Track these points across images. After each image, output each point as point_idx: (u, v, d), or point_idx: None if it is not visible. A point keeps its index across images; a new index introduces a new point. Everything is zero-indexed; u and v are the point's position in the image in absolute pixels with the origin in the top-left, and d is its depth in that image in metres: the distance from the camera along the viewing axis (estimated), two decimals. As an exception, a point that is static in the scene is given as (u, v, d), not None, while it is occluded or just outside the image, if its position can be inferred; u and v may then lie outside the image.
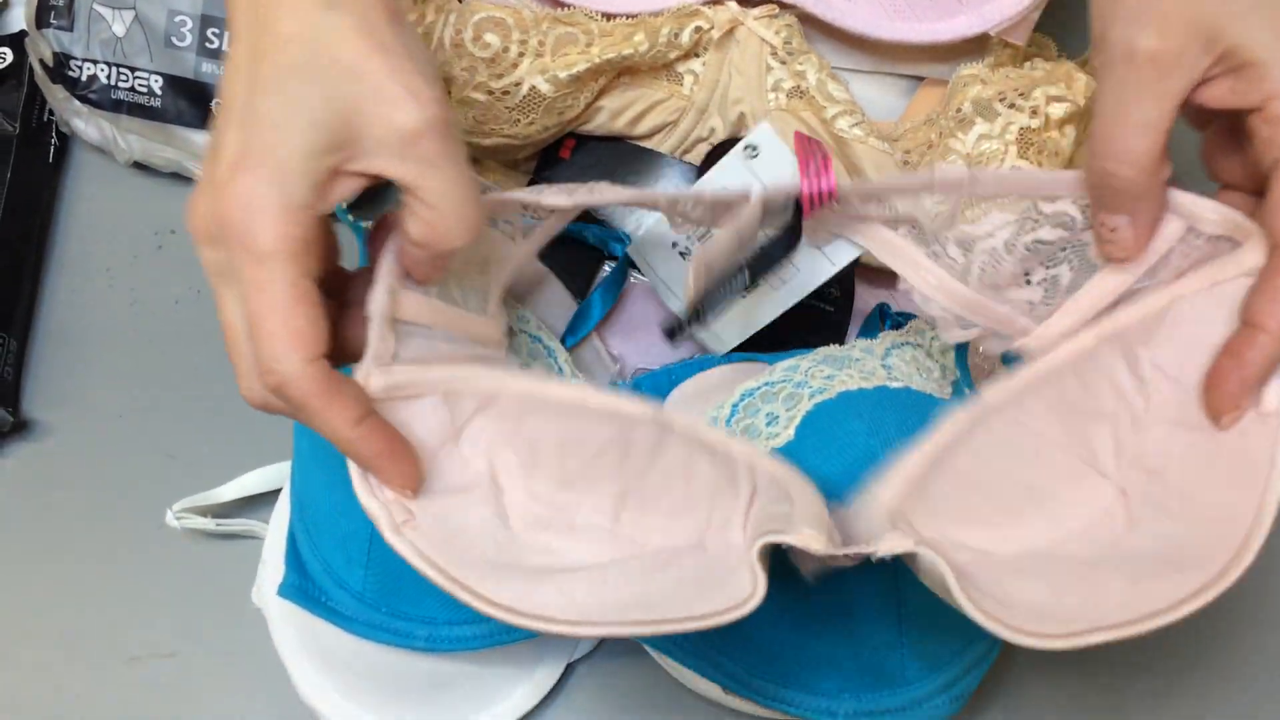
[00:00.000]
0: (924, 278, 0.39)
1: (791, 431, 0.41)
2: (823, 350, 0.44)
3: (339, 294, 0.35)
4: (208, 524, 0.49)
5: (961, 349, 0.44)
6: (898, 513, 0.34)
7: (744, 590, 0.31)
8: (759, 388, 0.43)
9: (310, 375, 0.30)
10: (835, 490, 0.39)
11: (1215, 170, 0.35)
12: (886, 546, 0.31)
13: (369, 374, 0.33)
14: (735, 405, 0.42)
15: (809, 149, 0.37)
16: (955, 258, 0.38)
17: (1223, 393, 0.32)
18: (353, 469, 0.33)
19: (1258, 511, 0.31)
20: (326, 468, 0.43)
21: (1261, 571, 0.49)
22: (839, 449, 0.39)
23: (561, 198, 0.37)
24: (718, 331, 0.47)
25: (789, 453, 0.40)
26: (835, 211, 0.38)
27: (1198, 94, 0.32)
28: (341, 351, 0.34)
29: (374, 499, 0.33)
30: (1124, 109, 0.31)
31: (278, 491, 0.49)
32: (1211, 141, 0.35)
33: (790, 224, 0.38)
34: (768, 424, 0.41)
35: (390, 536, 0.32)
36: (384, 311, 0.33)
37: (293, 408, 0.31)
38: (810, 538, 0.31)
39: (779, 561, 0.38)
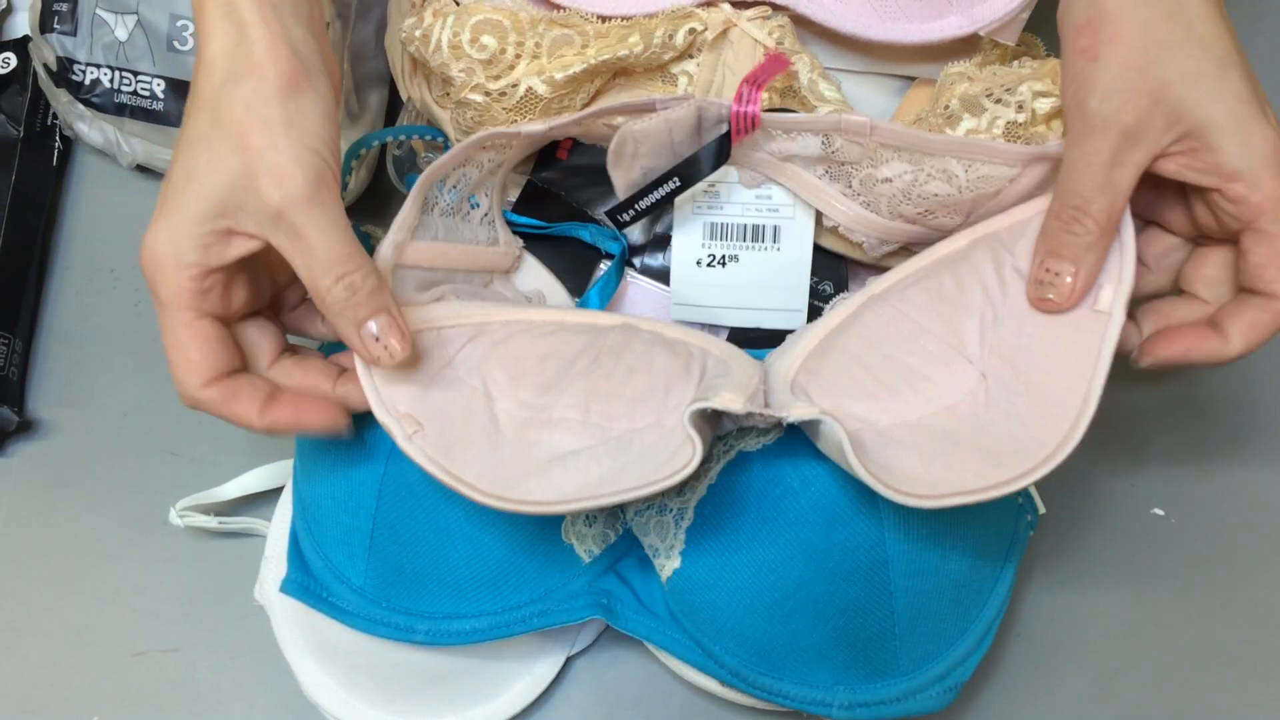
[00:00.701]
0: (842, 213, 0.45)
1: (781, 428, 0.41)
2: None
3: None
4: (210, 522, 0.49)
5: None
6: (797, 384, 0.39)
7: (685, 456, 0.36)
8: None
9: (207, 395, 0.37)
10: (826, 491, 0.40)
11: (1150, 215, 0.41)
12: (795, 413, 0.37)
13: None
14: None
15: (758, 74, 0.41)
16: (861, 193, 0.44)
17: (1242, 340, 0.38)
18: (367, 388, 0.38)
19: (1084, 398, 0.36)
20: (328, 464, 0.43)
21: (1259, 564, 0.50)
22: None
23: (538, 125, 0.43)
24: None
25: (780, 449, 0.41)
26: (763, 145, 0.44)
27: (1155, 164, 0.37)
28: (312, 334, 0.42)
29: (388, 415, 0.38)
30: (1099, 172, 0.36)
31: (279, 490, 0.50)
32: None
33: (721, 140, 0.42)
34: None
35: (403, 444, 0.37)
36: (385, 265, 0.41)
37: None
38: (729, 400, 0.37)
39: (770, 554, 0.38)
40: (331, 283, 0.35)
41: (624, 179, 0.45)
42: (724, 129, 0.42)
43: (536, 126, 0.43)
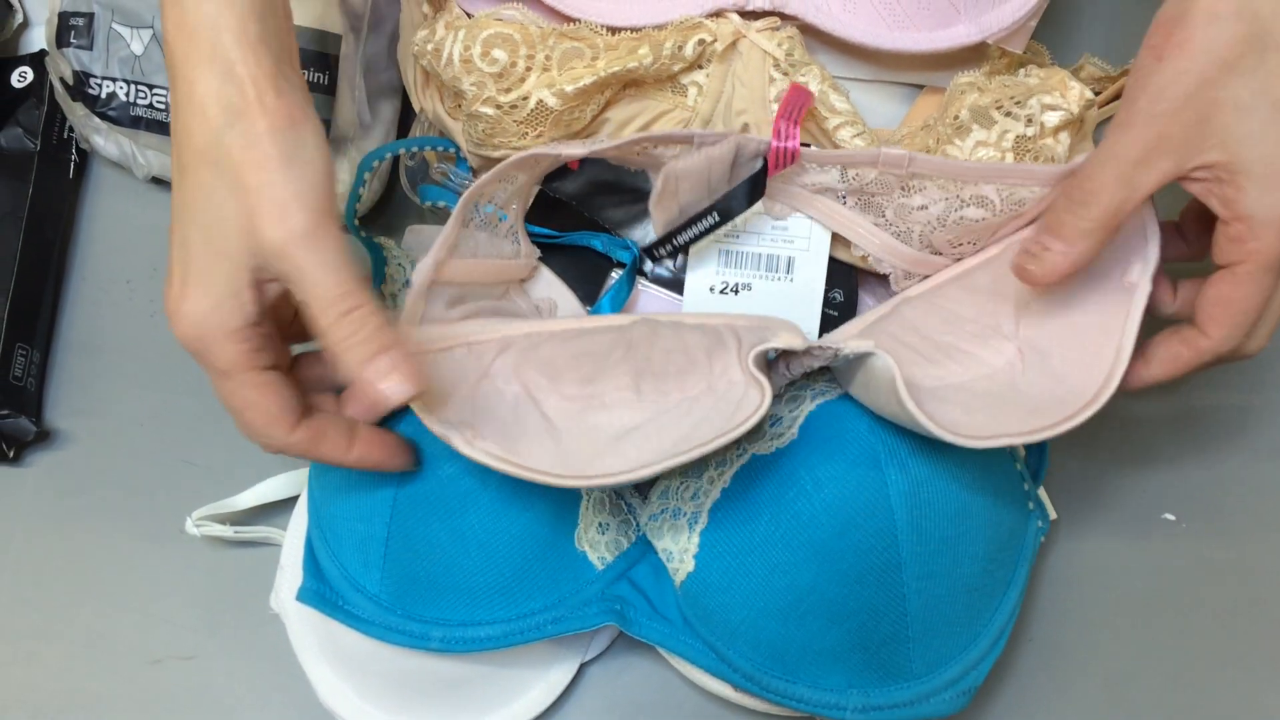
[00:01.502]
0: (872, 242, 0.45)
1: (795, 431, 0.41)
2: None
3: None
4: (226, 531, 0.50)
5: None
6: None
7: (755, 401, 0.38)
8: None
9: (295, 440, 0.37)
10: (839, 494, 0.40)
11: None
12: (852, 346, 0.39)
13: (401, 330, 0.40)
14: None
15: (790, 108, 0.42)
16: (894, 223, 0.44)
17: (1160, 368, 0.40)
18: (415, 406, 0.38)
19: (1117, 352, 0.39)
20: (343, 473, 0.44)
21: (1270, 568, 0.50)
22: (841, 446, 0.40)
23: (578, 148, 0.44)
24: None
25: (793, 452, 0.41)
26: (795, 179, 0.45)
27: (1182, 181, 0.37)
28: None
29: (442, 425, 0.38)
30: (1122, 166, 0.36)
31: (294, 499, 0.50)
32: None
33: (757, 176, 0.43)
34: (771, 425, 0.42)
35: (465, 449, 0.38)
36: (421, 283, 0.42)
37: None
38: (789, 339, 0.39)
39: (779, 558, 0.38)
40: (332, 320, 0.35)
41: (664, 216, 0.45)
42: (759, 164, 0.43)
43: (577, 150, 0.44)
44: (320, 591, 0.44)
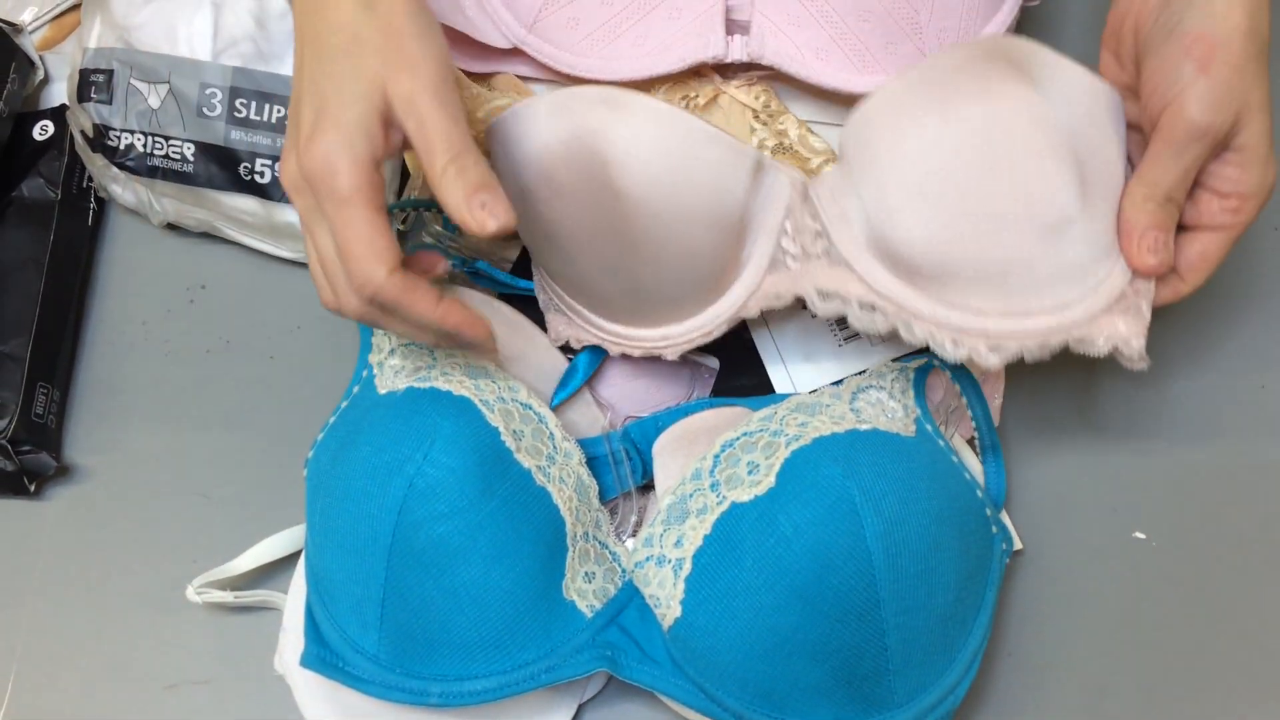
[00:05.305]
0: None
1: (773, 479, 0.42)
2: (795, 398, 0.46)
3: None
4: (227, 597, 0.50)
5: (920, 389, 0.47)
6: None
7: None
8: (738, 438, 0.45)
9: (394, 281, 0.39)
10: (818, 539, 0.41)
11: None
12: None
13: None
14: (717, 456, 0.45)
15: None
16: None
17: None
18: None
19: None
20: (337, 537, 0.44)
21: (1237, 584, 0.51)
22: (818, 493, 0.41)
23: None
24: (792, 377, 0.51)
25: (771, 499, 0.42)
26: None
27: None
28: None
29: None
30: (1189, 170, 0.42)
31: (293, 557, 0.51)
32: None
33: None
34: (749, 473, 0.43)
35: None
36: None
37: (387, 307, 0.40)
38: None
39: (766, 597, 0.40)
40: (447, 161, 0.38)
41: None
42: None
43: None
44: (322, 655, 0.45)
